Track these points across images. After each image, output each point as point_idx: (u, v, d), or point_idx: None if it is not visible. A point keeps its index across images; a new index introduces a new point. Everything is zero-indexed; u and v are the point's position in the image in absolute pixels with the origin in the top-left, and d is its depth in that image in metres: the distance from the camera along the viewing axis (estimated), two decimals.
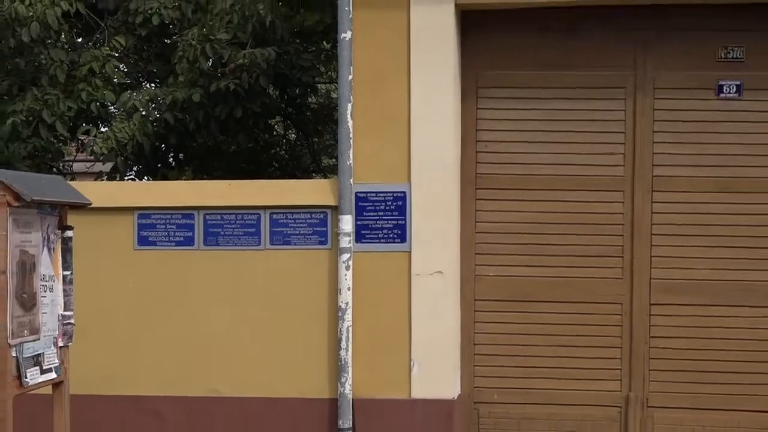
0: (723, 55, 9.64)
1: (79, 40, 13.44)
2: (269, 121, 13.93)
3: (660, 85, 9.70)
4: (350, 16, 9.45)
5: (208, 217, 9.64)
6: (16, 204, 6.48)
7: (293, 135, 14.62)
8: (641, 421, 9.65)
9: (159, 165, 13.85)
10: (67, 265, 7.31)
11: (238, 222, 9.63)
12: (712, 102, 9.67)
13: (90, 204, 7.64)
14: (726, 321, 9.61)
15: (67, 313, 7.29)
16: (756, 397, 9.57)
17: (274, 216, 9.61)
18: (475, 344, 9.81)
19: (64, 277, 7.29)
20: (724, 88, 9.60)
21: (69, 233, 7.32)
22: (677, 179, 9.68)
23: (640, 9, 9.59)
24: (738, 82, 9.58)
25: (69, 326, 7.31)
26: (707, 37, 9.66)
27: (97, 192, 9.06)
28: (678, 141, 9.70)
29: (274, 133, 14.38)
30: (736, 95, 9.61)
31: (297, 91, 13.83)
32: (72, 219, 7.42)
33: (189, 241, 9.66)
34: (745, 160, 9.62)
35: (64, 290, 7.28)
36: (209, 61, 11.99)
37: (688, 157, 9.67)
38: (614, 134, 9.77)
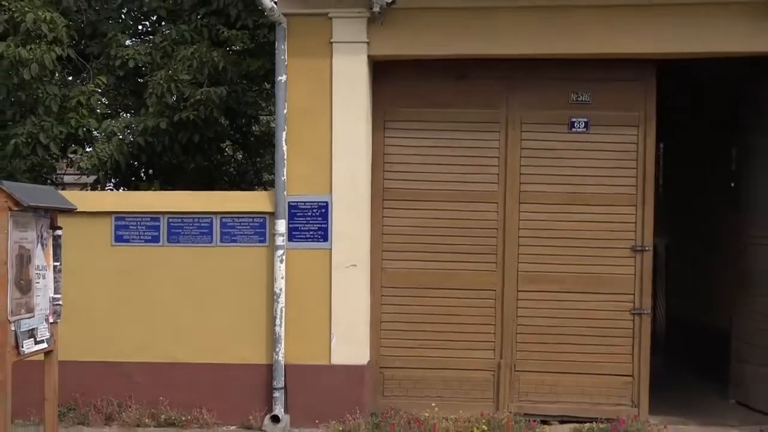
0: (574, 99, 9.87)
1: (70, 78, 13.41)
2: (221, 145, 13.95)
3: (526, 121, 9.88)
4: (285, 63, 9.61)
5: (171, 220, 9.76)
6: (16, 208, 6.66)
7: (240, 156, 14.64)
8: (510, 382, 9.84)
9: (132, 178, 13.77)
10: (57, 257, 7.48)
11: (194, 224, 9.74)
12: (565, 135, 9.88)
13: (75, 209, 7.83)
14: (575, 304, 9.81)
15: (56, 296, 7.46)
16: (597, 363, 9.77)
17: (224, 220, 9.72)
18: (381, 322, 9.93)
19: (55, 267, 7.46)
20: (575, 124, 9.86)
21: (59, 232, 7.49)
22: (539, 194, 9.86)
23: (511, 62, 9.72)
24: (586, 120, 9.84)
25: (58, 306, 7.48)
26: (561, 85, 9.85)
27: (83, 199, 9.15)
28: (539, 164, 9.87)
29: (225, 154, 14.38)
30: (584, 130, 9.85)
31: (243, 121, 13.86)
32: (61, 220, 7.58)
33: (155, 239, 9.77)
34: (591, 179, 9.83)
35: (54, 278, 7.46)
36: (173, 96, 12.00)
37: (547, 176, 9.86)
38: (491, 158, 9.93)
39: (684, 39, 9.44)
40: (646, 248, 9.85)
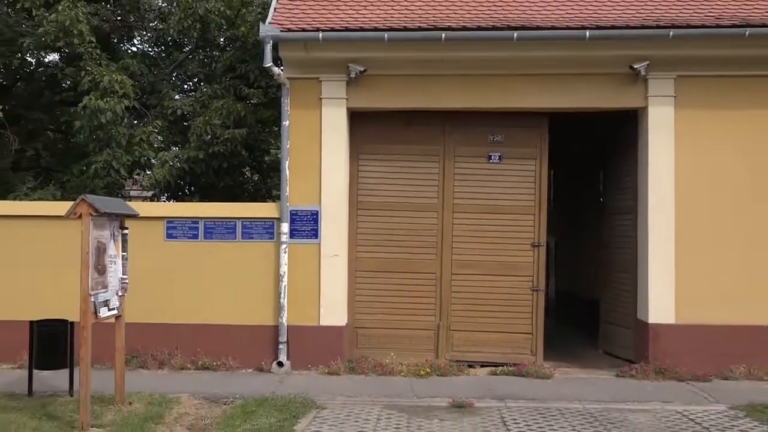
0: (491, 139, 9.93)
1: (135, 121, 13.42)
2: (242, 170, 14.03)
3: (457, 154, 9.95)
4: (288, 112, 9.64)
5: (206, 223, 9.72)
6: (95, 214, 6.71)
7: (256, 177, 14.66)
8: (446, 338, 9.89)
9: (179, 193, 13.81)
10: (124, 249, 7.56)
11: (223, 226, 9.71)
12: (485, 164, 9.94)
13: (138, 215, 7.88)
14: (492, 283, 9.86)
15: (124, 276, 7.53)
16: (507, 324, 9.82)
17: (244, 223, 9.70)
18: (356, 295, 9.92)
19: (123, 256, 7.53)
20: (492, 157, 9.92)
21: (125, 231, 7.56)
22: (466, 205, 9.91)
23: (446, 113, 9.77)
24: (499, 154, 9.91)
25: (125, 284, 7.56)
26: (482, 129, 9.90)
27: (143, 208, 9.13)
28: (467, 185, 9.93)
29: (245, 176, 14.42)
30: (498, 161, 9.92)
31: (258, 153, 13.90)
32: (128, 222, 7.62)
33: (195, 237, 9.74)
34: (503, 196, 9.89)
35: (123, 264, 7.54)
36: (209, 135, 12.04)
37: (471, 193, 9.92)
38: (433, 181, 9.97)
39: (567, 98, 9.60)
40: (541, 244, 9.94)
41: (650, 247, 9.41)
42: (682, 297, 9.30)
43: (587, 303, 12.01)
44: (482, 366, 9.69)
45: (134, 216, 7.72)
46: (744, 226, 9.32)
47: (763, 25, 9.03)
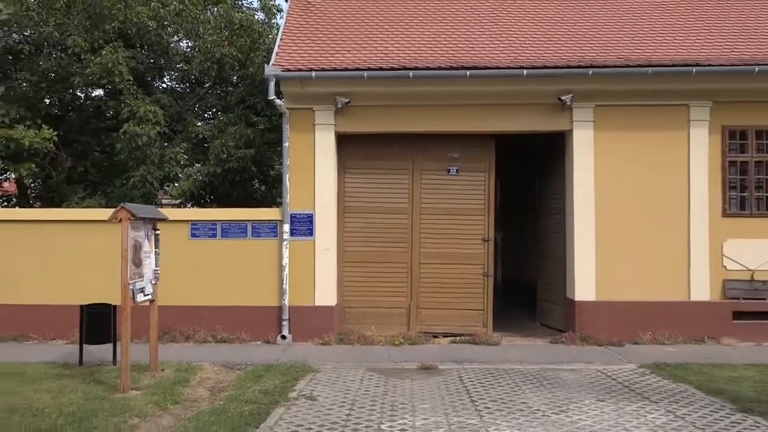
0: (450, 156, 9.94)
1: (165, 144, 13.34)
2: (252, 182, 13.97)
3: (423, 169, 9.95)
4: (288, 135, 9.59)
5: (223, 224, 9.65)
6: (132, 218, 6.65)
7: (263, 188, 14.61)
8: (416, 314, 9.87)
9: (201, 201, 13.77)
10: (156, 246, 7.48)
11: (237, 227, 9.64)
12: (446, 176, 9.95)
13: (167, 218, 7.80)
14: (452, 270, 9.86)
15: (156, 268, 7.45)
16: (464, 302, 9.80)
17: (254, 224, 9.63)
18: (344, 281, 9.88)
19: (156, 251, 7.44)
20: (451, 170, 9.95)
21: (158, 231, 7.49)
22: (431, 209, 9.92)
23: (414, 135, 9.76)
24: (457, 168, 9.93)
25: (157, 274, 7.47)
26: (443, 148, 9.92)
27: (172, 213, 9.04)
28: (431, 193, 9.93)
29: (254, 187, 14.37)
30: (456, 174, 9.94)
31: (265, 168, 13.87)
32: (160, 225, 7.56)
33: (214, 236, 9.65)
34: (460, 201, 9.90)
35: (155, 258, 7.44)
36: (225, 155, 12.04)
37: (435, 200, 9.93)
38: (404, 189, 9.95)
39: (510, 123, 9.65)
40: (490, 239, 9.97)
41: (576, 240, 9.49)
42: (601, 279, 9.38)
43: (527, 285, 12.05)
44: (445, 336, 9.70)
45: (164, 219, 7.65)
46: (647, 221, 9.43)
47: (662, 65, 9.17)
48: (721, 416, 5.76)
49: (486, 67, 9.23)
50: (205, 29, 13.23)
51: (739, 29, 10.30)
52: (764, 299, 9.32)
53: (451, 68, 9.24)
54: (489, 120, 9.60)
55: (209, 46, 12.92)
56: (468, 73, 9.13)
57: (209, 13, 14.17)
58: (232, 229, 9.65)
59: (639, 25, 10.44)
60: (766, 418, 5.65)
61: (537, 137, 10.25)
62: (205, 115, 15.55)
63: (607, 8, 11.08)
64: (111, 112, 13.51)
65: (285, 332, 9.40)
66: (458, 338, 9.53)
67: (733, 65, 9.15)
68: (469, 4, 11.31)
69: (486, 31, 10.41)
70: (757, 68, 9.06)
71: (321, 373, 7.58)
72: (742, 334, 9.25)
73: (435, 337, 9.67)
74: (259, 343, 9.40)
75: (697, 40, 9.95)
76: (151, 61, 14.53)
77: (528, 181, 12.06)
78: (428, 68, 9.25)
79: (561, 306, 10.04)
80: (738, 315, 9.31)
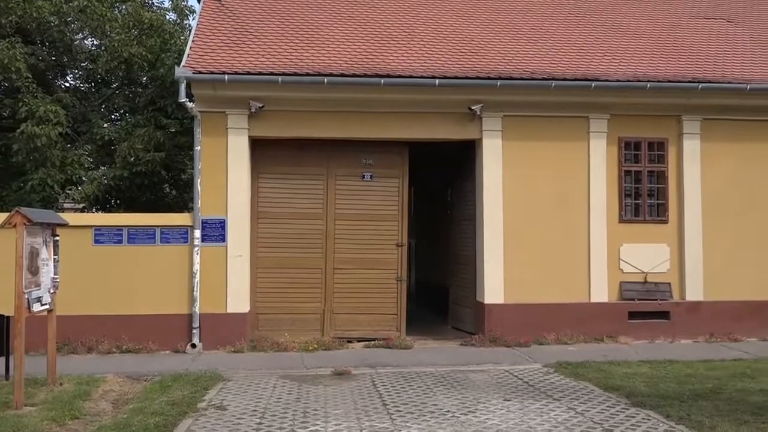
0: (364, 162, 9.98)
1: (68, 145, 12.62)
2: (162, 186, 13.46)
3: (338, 174, 9.94)
4: (200, 139, 9.34)
5: (129, 230, 9.23)
6: (28, 223, 6.27)
7: (174, 192, 14.12)
8: (330, 319, 9.81)
9: (107, 206, 13.14)
10: (56, 252, 7.08)
11: (144, 233, 9.23)
12: (360, 182, 9.97)
13: (68, 223, 7.44)
14: (366, 275, 9.86)
15: (55, 276, 7.06)
16: (378, 307, 9.86)
17: (163, 230, 9.28)
18: (257, 287, 9.68)
19: (54, 259, 7.05)
20: (365, 176, 9.98)
21: (57, 237, 7.09)
22: (345, 215, 9.90)
23: (328, 141, 9.70)
24: (371, 174, 9.98)
25: (56, 282, 7.07)
26: (357, 154, 9.93)
27: (73, 218, 8.67)
28: (345, 198, 9.92)
29: (165, 191, 13.84)
30: (370, 179, 9.98)
31: (176, 173, 13.41)
32: (60, 231, 7.16)
33: (120, 242, 9.21)
34: (374, 207, 9.95)
35: (54, 265, 7.03)
36: (132, 158, 11.55)
37: (350, 205, 9.91)
38: (319, 195, 9.89)
39: (423, 131, 9.81)
40: (403, 244, 10.07)
41: (485, 246, 9.74)
42: (508, 283, 9.67)
43: (440, 289, 12.25)
44: (359, 341, 9.69)
45: (65, 225, 7.25)
46: (552, 227, 9.82)
47: (564, 79, 9.60)
48: (616, 411, 6.07)
49: (400, 76, 9.35)
50: (112, 27, 12.66)
51: (634, 47, 10.95)
52: (656, 300, 9.92)
53: (366, 75, 9.28)
54: (403, 127, 9.70)
55: (116, 45, 12.37)
56: (382, 80, 9.21)
57: (117, 11, 13.58)
58: (140, 235, 9.25)
59: (544, 40, 10.89)
60: (656, 411, 6.00)
61: (450, 145, 10.45)
62: (112, 116, 14.84)
63: (516, 23, 11.50)
64: (8, 111, 12.63)
65: (195, 340, 9.10)
66: (372, 343, 9.54)
67: (628, 81, 9.72)
68: (386, 13, 11.41)
69: (401, 40, 10.54)
70: (649, 84, 9.67)
71: (232, 381, 7.38)
72: (637, 332, 9.80)
73: (349, 342, 9.64)
74: (167, 352, 9.04)
75: (596, 56, 10.50)
76: (53, 58, 13.74)
77: (441, 187, 12.28)
78: (343, 75, 9.25)
79: (471, 309, 10.26)
80: (633, 315, 9.86)
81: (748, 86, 9.84)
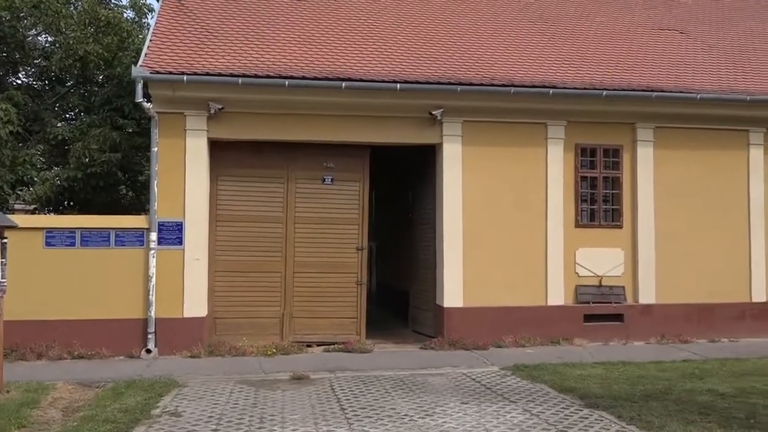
0: (325, 165, 9.93)
1: (20, 144, 12.25)
2: (119, 188, 13.18)
3: (298, 177, 9.87)
4: (157, 140, 9.18)
5: (83, 233, 8.99)
6: None
7: (132, 194, 13.83)
8: (289, 323, 9.73)
9: (60, 207, 12.80)
10: (3, 255, 6.88)
11: (98, 235, 9.01)
12: (320, 185, 9.92)
13: (17, 225, 7.19)
14: (326, 279, 9.82)
15: (3, 280, 6.83)
16: (338, 311, 9.81)
17: (118, 233, 9.07)
18: (215, 291, 9.54)
19: (2, 261, 6.82)
20: (325, 179, 9.94)
21: (5, 240, 6.89)
22: (305, 218, 9.84)
23: (288, 144, 9.66)
24: (331, 177, 9.94)
25: (4, 286, 6.85)
26: (318, 157, 9.89)
27: (24, 220, 8.42)
28: (306, 202, 9.85)
29: (122, 193, 13.56)
30: (330, 183, 9.95)
31: (132, 174, 13.15)
32: (9, 233, 6.92)
33: (73, 244, 8.96)
34: (334, 210, 9.91)
35: (2, 268, 6.80)
36: (87, 158, 11.28)
37: (310, 209, 9.85)
38: (279, 198, 9.81)
39: (384, 135, 9.82)
40: (364, 248, 10.06)
41: (445, 250, 9.80)
42: (467, 286, 9.75)
43: (400, 293, 12.28)
44: (318, 345, 9.63)
45: (13, 226, 7.01)
46: (510, 231, 9.96)
47: (523, 85, 9.75)
48: (571, 412, 6.17)
49: (361, 80, 9.35)
50: (67, 24, 12.37)
51: (591, 56, 11.18)
52: (611, 303, 10.14)
53: (327, 79, 9.26)
54: (364, 131, 9.70)
55: (71, 42, 12.09)
56: (343, 84, 9.19)
57: (72, 8, 13.25)
58: (94, 238, 9.02)
59: (504, 47, 11.04)
60: (609, 412, 6.12)
61: (411, 149, 10.48)
62: (66, 115, 14.47)
63: (477, 29, 11.61)
64: None
65: (150, 346, 8.91)
66: (332, 347, 9.49)
67: (585, 88, 9.93)
68: (348, 17, 11.38)
69: (363, 44, 10.53)
70: (605, 92, 9.90)
71: (188, 387, 7.25)
72: (591, 334, 9.99)
73: (309, 346, 9.58)
74: (121, 358, 8.83)
75: (555, 64, 10.69)
76: (4, 54, 13.31)
77: (402, 191, 12.32)
78: (304, 78, 9.21)
79: (431, 312, 10.31)
80: (588, 317, 10.06)
81: (699, 95, 10.16)
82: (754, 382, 7.41)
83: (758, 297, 10.59)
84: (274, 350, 9.11)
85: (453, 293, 9.73)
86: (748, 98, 10.33)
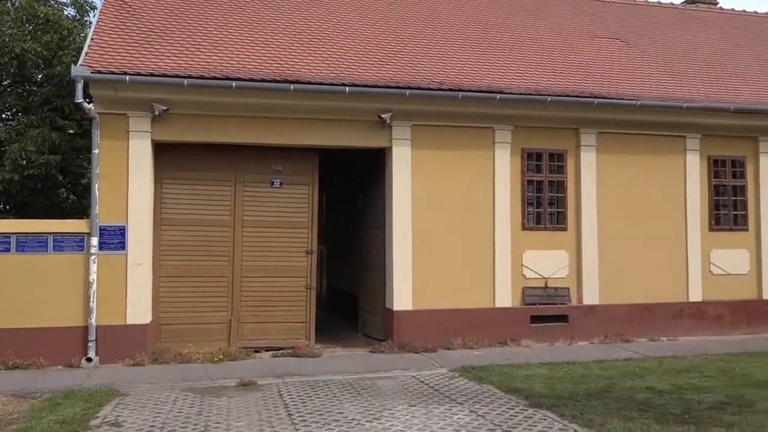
0: (274, 168, 9.81)
1: None
2: (58, 191, 12.73)
3: (246, 180, 9.73)
4: (98, 142, 8.89)
5: (18, 237, 8.64)
6: None
7: (73, 197, 13.37)
8: (237, 329, 9.56)
9: None
10: None
11: (35, 240, 8.67)
12: (269, 189, 9.81)
13: None
14: (275, 283, 9.69)
15: None
16: (286, 315, 9.68)
17: (56, 237, 8.74)
18: (159, 297, 9.31)
19: None
20: (274, 182, 9.83)
21: None
22: (254, 221, 9.70)
23: (237, 147, 9.52)
24: (280, 180, 9.84)
25: None
26: (266, 160, 9.76)
27: None
28: (254, 205, 9.71)
29: (63, 196, 13.10)
30: (279, 186, 9.84)
31: (73, 177, 12.72)
32: None
33: (8, 250, 8.60)
34: (283, 214, 9.79)
35: None
36: (24, 160, 10.87)
37: (258, 212, 9.72)
38: (226, 201, 9.65)
39: (333, 138, 9.79)
40: (313, 251, 10.00)
41: (394, 253, 9.84)
42: (416, 289, 9.81)
43: (351, 296, 12.26)
44: (267, 350, 9.50)
45: None
46: (458, 234, 10.07)
47: (470, 90, 9.88)
48: (515, 412, 6.27)
49: (310, 82, 9.29)
50: (3, 21, 11.87)
51: (536, 62, 11.44)
52: (556, 304, 10.36)
53: (275, 81, 9.17)
54: (313, 134, 9.65)
55: (8, 39, 11.63)
56: (292, 86, 9.13)
57: (9, 4, 12.75)
58: (30, 243, 8.68)
59: (453, 52, 11.17)
60: (552, 411, 6.25)
61: (360, 153, 10.48)
62: (3, 116, 13.90)
63: (426, 34, 11.72)
64: None
65: (91, 354, 8.62)
66: (280, 352, 9.38)
67: (530, 94, 10.13)
68: (297, 20, 11.31)
69: (312, 46, 10.48)
70: (549, 98, 10.12)
71: (130, 396, 7.04)
72: (538, 335, 10.19)
73: (257, 351, 9.45)
74: (60, 367, 8.50)
75: (501, 70, 10.88)
76: None
77: (352, 194, 12.31)
78: (252, 80, 9.09)
79: (381, 316, 10.32)
80: (535, 319, 10.25)
81: (639, 102, 10.50)
82: (690, 378, 7.70)
83: (695, 297, 11.01)
84: (222, 356, 8.94)
85: (402, 296, 9.76)
86: (685, 105, 10.75)
